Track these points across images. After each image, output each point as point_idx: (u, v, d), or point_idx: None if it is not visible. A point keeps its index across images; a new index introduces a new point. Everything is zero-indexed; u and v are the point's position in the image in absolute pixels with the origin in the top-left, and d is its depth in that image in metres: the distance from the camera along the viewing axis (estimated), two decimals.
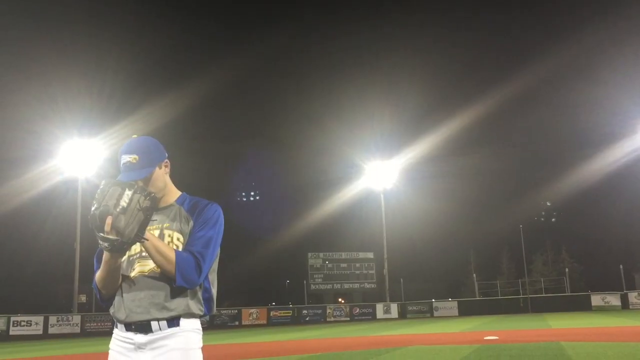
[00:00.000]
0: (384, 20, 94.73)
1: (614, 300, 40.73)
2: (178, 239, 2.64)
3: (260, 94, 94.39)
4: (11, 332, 31.62)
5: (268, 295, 72.49)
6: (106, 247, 2.35)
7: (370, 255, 53.31)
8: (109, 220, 2.30)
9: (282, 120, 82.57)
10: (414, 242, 62.27)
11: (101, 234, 2.31)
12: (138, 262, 2.61)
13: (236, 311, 41.81)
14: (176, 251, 2.52)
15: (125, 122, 42.86)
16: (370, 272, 52.64)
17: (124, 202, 2.33)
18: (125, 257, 2.59)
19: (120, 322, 2.58)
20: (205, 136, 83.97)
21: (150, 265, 2.56)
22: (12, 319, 32.23)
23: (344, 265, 52.32)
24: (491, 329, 19.66)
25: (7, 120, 46.10)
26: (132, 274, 2.59)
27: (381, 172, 49.49)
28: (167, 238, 2.63)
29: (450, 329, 22.13)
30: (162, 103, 55.18)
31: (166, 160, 2.77)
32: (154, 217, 2.58)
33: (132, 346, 2.55)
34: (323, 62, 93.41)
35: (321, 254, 52.48)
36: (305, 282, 51.01)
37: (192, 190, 2.88)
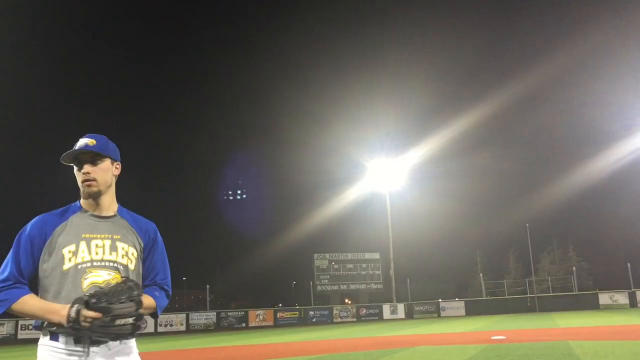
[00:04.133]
0: (390, 20, 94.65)
1: (622, 298, 40.55)
2: (132, 254, 2.67)
3: (264, 93, 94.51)
4: (19, 336, 31.83)
5: (274, 296, 72.62)
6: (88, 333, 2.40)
7: (377, 255, 53.24)
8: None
9: (288, 121, 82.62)
10: (420, 242, 62.28)
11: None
12: (89, 272, 2.54)
13: (243, 313, 41.84)
14: (152, 296, 2.68)
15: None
16: (377, 272, 52.58)
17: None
18: (71, 265, 2.53)
19: (69, 334, 2.46)
20: (210, 136, 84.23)
21: (104, 276, 2.54)
22: (20, 322, 32.38)
23: (350, 266, 52.28)
24: (498, 329, 19.60)
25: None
26: (85, 286, 2.51)
27: (387, 172, 49.44)
28: (122, 251, 2.64)
29: (457, 329, 22.08)
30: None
31: (119, 163, 2.81)
32: (101, 225, 2.65)
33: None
34: (328, 62, 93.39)
35: (327, 255, 52.46)
36: (311, 283, 51.00)
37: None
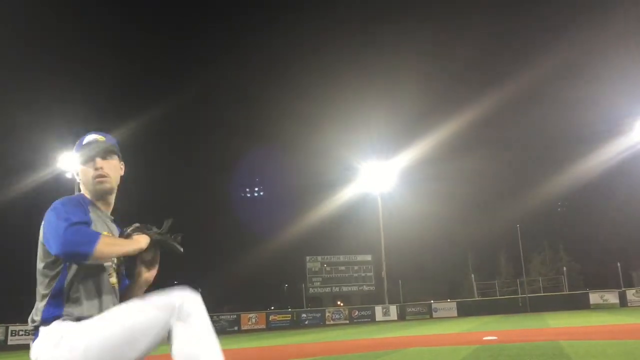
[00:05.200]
0: (381, 22, 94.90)
1: (612, 298, 40.80)
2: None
3: (254, 95, 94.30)
4: (9, 342, 31.50)
5: (267, 299, 72.43)
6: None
7: (368, 257, 53.28)
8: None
9: (278, 123, 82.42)
10: (412, 244, 62.28)
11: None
12: (110, 274, 2.68)
13: (235, 316, 41.67)
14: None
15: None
16: (369, 274, 52.62)
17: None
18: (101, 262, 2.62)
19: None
20: (205, 135, 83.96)
21: (114, 278, 2.71)
22: (10, 328, 32.08)
23: (342, 268, 52.30)
24: (490, 329, 19.66)
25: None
26: (112, 281, 2.68)
27: (378, 174, 49.54)
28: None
29: (449, 329, 22.12)
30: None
31: (123, 163, 2.79)
32: (110, 224, 2.75)
33: None
34: (320, 63, 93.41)
35: (319, 257, 52.45)
36: (303, 285, 50.97)
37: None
